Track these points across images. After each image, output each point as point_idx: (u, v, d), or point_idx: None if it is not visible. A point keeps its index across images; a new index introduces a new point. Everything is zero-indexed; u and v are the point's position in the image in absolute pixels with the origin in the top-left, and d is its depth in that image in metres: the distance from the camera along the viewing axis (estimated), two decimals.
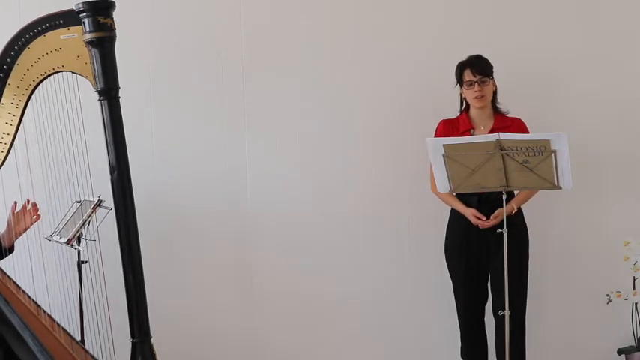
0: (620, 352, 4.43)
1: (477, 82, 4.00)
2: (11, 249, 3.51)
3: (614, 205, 4.49)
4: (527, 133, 4.00)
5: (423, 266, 4.45)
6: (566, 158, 3.63)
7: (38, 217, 3.59)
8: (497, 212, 3.93)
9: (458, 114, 4.16)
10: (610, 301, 4.37)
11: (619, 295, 4.34)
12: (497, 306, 4.00)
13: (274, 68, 4.46)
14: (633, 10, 4.48)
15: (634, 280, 4.34)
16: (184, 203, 4.44)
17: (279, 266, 4.49)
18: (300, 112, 4.47)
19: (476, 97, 4.01)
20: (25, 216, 3.52)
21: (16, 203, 3.50)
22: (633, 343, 4.42)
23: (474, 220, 3.99)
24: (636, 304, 4.39)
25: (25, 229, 3.55)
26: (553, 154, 3.61)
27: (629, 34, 4.48)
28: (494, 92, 4.09)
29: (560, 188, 3.74)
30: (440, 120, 4.16)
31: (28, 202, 3.55)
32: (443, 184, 3.84)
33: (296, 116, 4.47)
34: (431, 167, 4.05)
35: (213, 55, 4.43)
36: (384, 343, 4.52)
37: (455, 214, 4.14)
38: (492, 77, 4.05)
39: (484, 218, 3.96)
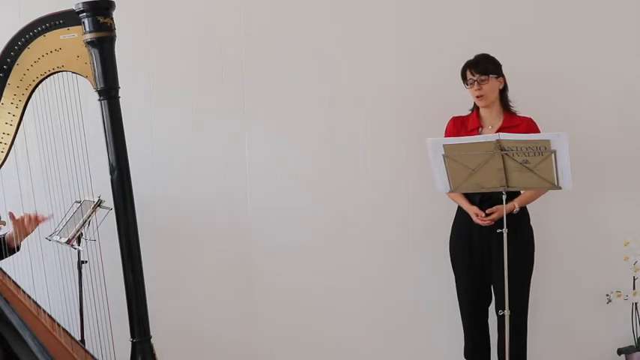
0: (620, 352, 4.42)
1: (476, 80, 4.02)
2: (17, 248, 3.49)
3: (614, 205, 4.48)
4: (538, 132, 3.98)
5: (427, 266, 4.44)
6: (566, 158, 3.62)
7: (44, 218, 3.51)
8: (494, 208, 3.94)
9: (469, 112, 4.18)
10: (610, 301, 4.37)
11: (619, 295, 4.34)
12: (499, 306, 4.01)
13: (274, 68, 4.45)
14: (634, 8, 4.48)
15: (634, 280, 4.34)
16: (184, 203, 4.43)
17: (279, 266, 4.49)
18: (300, 111, 4.47)
19: (477, 96, 4.04)
20: (25, 225, 3.44)
21: (11, 214, 3.36)
22: (633, 343, 4.41)
23: (474, 218, 4.00)
24: (636, 304, 4.39)
25: (28, 234, 3.50)
26: (553, 154, 3.61)
27: (630, 33, 4.48)
28: (502, 90, 4.09)
29: (560, 188, 3.73)
30: (451, 117, 4.19)
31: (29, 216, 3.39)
32: (443, 184, 3.84)
33: (296, 116, 4.47)
34: None
35: (213, 55, 4.43)
36: (387, 343, 4.51)
37: (460, 212, 4.15)
38: (499, 75, 4.05)
39: (483, 215, 3.98)
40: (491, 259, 4.05)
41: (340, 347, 4.51)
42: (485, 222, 3.96)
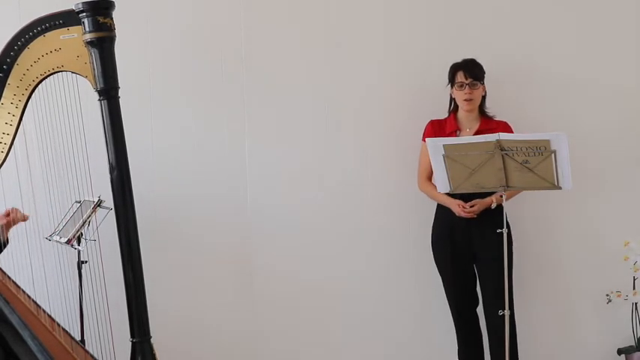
0: (620, 352, 4.42)
1: (467, 84, 4.05)
2: (7, 241, 3.50)
3: (614, 205, 4.48)
4: None
5: (423, 268, 4.43)
6: (566, 158, 3.63)
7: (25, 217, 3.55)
8: (474, 201, 3.97)
9: (446, 115, 4.21)
10: (610, 301, 4.37)
11: (619, 295, 4.34)
12: (487, 305, 4.02)
13: (274, 69, 4.45)
14: (634, 11, 4.48)
15: (634, 280, 4.33)
16: (184, 203, 4.43)
17: (279, 266, 4.49)
18: (299, 112, 4.47)
19: (465, 100, 4.07)
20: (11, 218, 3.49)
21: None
22: (633, 343, 4.41)
23: (457, 210, 4.00)
24: (636, 304, 4.39)
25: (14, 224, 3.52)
26: (553, 154, 3.62)
27: (630, 34, 4.48)
28: (484, 97, 4.15)
29: (560, 188, 3.74)
30: (429, 120, 4.22)
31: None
32: (443, 184, 3.84)
33: (296, 117, 4.47)
34: (419, 165, 4.19)
35: (214, 56, 4.43)
36: (383, 344, 4.52)
37: (440, 210, 4.17)
38: (483, 83, 4.10)
39: (468, 207, 3.98)
40: (474, 256, 4.06)
41: (339, 344, 4.51)
42: (469, 214, 3.97)
